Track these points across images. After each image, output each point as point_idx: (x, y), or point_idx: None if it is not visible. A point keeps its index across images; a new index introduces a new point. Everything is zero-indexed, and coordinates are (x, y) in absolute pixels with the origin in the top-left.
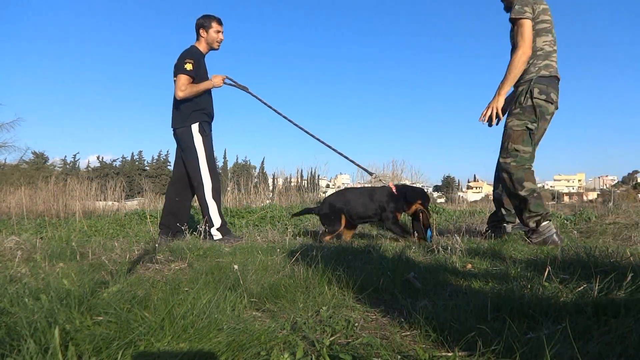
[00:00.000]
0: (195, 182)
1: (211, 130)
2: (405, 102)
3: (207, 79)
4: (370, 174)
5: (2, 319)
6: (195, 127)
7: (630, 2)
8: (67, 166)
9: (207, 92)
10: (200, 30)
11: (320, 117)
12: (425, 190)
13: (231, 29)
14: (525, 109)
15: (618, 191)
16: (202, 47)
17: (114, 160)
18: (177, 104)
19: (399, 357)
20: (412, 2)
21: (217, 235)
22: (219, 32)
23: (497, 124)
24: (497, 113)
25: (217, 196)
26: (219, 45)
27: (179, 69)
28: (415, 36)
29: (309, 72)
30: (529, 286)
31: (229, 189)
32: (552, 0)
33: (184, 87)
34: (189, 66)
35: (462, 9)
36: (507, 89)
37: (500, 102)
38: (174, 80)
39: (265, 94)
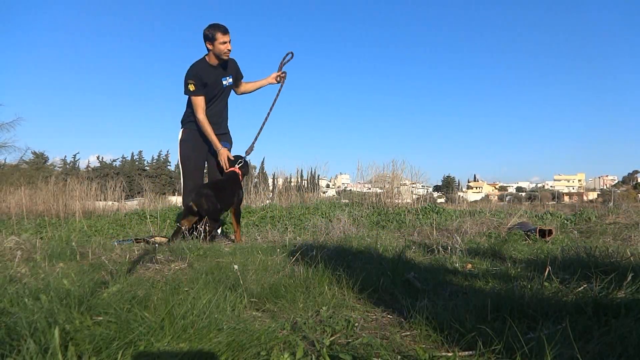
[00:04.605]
0: None
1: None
2: (405, 102)
3: (215, 91)
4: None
5: (2, 319)
6: (180, 132)
7: (630, 1)
8: (67, 166)
9: (222, 105)
10: (207, 43)
11: (321, 117)
12: (425, 190)
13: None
14: None
15: (618, 191)
16: (211, 59)
17: (114, 160)
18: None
19: (399, 357)
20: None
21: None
22: (224, 42)
23: None
24: None
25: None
26: (227, 56)
27: (185, 91)
28: (415, 35)
29: (308, 72)
30: (529, 286)
31: None
32: None
33: (201, 109)
34: (191, 87)
35: (461, 7)
36: None
37: None
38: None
39: (267, 95)
